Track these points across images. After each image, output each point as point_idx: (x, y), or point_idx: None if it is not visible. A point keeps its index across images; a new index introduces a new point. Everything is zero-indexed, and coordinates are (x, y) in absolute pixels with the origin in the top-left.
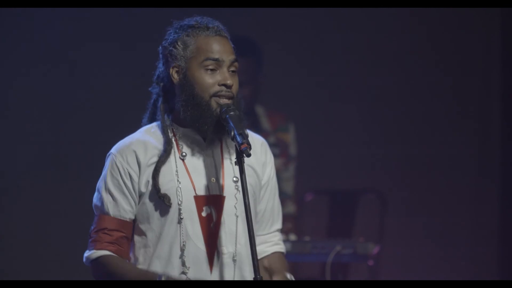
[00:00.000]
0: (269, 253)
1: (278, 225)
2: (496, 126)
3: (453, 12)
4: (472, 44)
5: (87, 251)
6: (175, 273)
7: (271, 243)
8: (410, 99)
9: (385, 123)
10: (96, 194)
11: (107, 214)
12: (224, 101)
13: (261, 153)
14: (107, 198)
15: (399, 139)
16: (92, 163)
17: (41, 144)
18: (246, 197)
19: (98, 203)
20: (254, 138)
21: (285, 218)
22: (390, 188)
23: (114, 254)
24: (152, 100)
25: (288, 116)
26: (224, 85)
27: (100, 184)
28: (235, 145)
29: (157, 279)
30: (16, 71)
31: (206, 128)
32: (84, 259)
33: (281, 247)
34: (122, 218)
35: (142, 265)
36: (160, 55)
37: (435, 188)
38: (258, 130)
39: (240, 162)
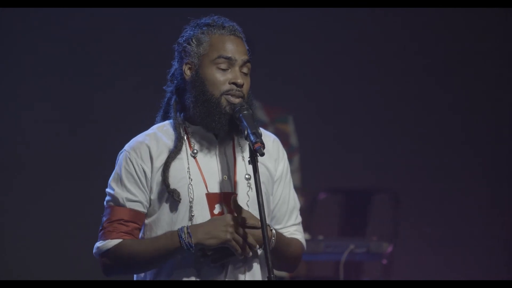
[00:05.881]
0: None
1: (294, 220)
2: (511, 129)
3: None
4: (488, 46)
5: (100, 241)
6: (185, 270)
7: (286, 234)
8: (425, 98)
9: (399, 123)
10: (109, 189)
11: (123, 206)
12: (234, 99)
13: (273, 150)
14: (122, 191)
15: (413, 139)
16: (104, 163)
17: (50, 144)
18: (260, 197)
19: (113, 197)
20: (266, 135)
21: None
22: (404, 187)
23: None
24: (165, 99)
25: (286, 109)
26: (235, 83)
27: (113, 179)
28: (249, 144)
29: (180, 234)
30: (27, 71)
31: (214, 126)
32: (95, 250)
33: (299, 237)
34: (137, 210)
35: None
36: (175, 52)
37: (448, 188)
38: None
39: (253, 161)
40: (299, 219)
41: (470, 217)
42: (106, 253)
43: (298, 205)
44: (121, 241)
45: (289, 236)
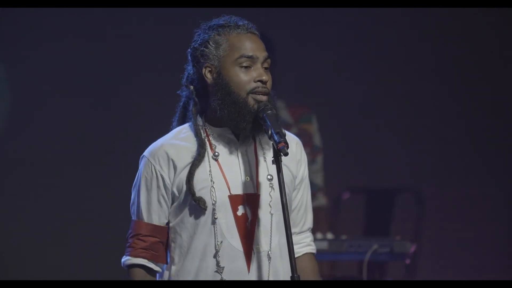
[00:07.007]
0: (300, 254)
1: (310, 223)
2: None
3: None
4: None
5: (124, 256)
6: (209, 272)
7: (303, 244)
8: (448, 98)
9: (422, 123)
10: (131, 198)
11: (141, 219)
12: (261, 97)
13: (296, 152)
14: (140, 203)
15: (436, 137)
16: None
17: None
18: (284, 196)
19: (133, 208)
20: (290, 137)
21: (317, 210)
22: (427, 187)
23: (147, 265)
24: (181, 103)
25: (309, 108)
26: (260, 81)
27: (134, 188)
28: (273, 144)
29: None
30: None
31: (245, 125)
32: (122, 264)
33: (312, 248)
34: (155, 224)
35: (177, 265)
36: (190, 57)
37: (472, 187)
38: None
39: (277, 161)
40: (312, 222)
41: (495, 216)
42: (127, 268)
43: (311, 210)
44: (136, 266)
45: (304, 247)
